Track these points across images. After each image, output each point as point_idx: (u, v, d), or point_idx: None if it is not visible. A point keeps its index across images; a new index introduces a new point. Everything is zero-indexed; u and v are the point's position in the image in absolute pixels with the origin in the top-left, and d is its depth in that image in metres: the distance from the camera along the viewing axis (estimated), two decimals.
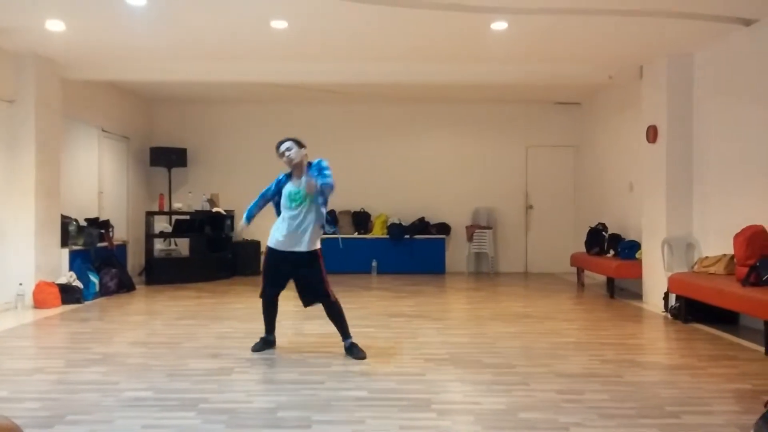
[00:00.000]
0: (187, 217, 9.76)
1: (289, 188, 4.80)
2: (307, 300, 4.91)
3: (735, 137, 6.26)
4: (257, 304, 7.29)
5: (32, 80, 7.09)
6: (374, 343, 5.12)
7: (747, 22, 5.89)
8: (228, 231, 10.08)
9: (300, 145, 4.82)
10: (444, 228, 10.61)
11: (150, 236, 9.36)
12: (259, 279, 9.73)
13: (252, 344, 4.99)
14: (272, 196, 4.91)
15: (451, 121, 10.91)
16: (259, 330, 5.23)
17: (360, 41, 6.72)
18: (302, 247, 4.73)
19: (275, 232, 4.82)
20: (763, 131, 5.82)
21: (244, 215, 4.97)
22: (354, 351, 4.76)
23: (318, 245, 4.83)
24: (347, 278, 9.57)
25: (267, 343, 4.98)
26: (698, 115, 6.92)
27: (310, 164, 4.79)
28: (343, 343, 4.84)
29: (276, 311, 5.05)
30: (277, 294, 4.98)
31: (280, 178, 4.91)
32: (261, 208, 5.02)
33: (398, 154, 10.89)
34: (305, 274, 4.80)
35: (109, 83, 9.08)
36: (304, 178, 4.68)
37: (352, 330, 4.90)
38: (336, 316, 4.82)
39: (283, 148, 4.80)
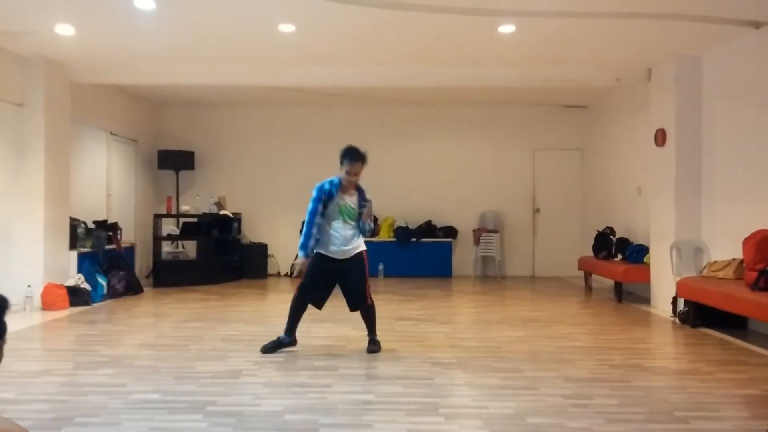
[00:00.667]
0: (195, 219, 9.80)
1: (344, 202, 4.89)
2: (352, 304, 5.04)
3: (744, 140, 6.23)
4: (264, 306, 7.36)
5: (41, 84, 7.13)
6: (381, 347, 5.11)
7: (756, 25, 5.86)
8: (235, 234, 10.10)
9: (364, 164, 4.92)
10: (451, 231, 10.59)
11: (158, 239, 9.39)
12: (266, 282, 9.75)
13: (260, 345, 4.98)
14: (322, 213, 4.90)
15: (457, 124, 10.89)
16: (266, 333, 5.23)
17: (367, 44, 6.72)
18: (352, 253, 4.95)
19: (326, 244, 4.90)
20: None
21: (303, 248, 4.85)
22: (369, 344, 4.99)
23: (361, 248, 5.00)
24: None
25: (278, 345, 4.96)
26: (707, 118, 6.88)
27: (358, 187, 5.00)
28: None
29: (302, 314, 5.06)
30: (320, 302, 5.03)
31: (330, 189, 4.85)
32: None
33: (405, 157, 10.88)
34: (350, 277, 4.95)
35: (117, 87, 9.12)
36: (363, 210, 4.97)
37: (360, 333, 4.99)
38: (370, 316, 5.07)
39: (357, 169, 4.85)
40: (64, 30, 6.15)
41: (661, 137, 7.21)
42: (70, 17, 5.84)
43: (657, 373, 4.43)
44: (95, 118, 8.74)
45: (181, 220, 10.02)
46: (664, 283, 7.15)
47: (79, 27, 6.10)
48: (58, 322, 6.39)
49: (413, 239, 10.32)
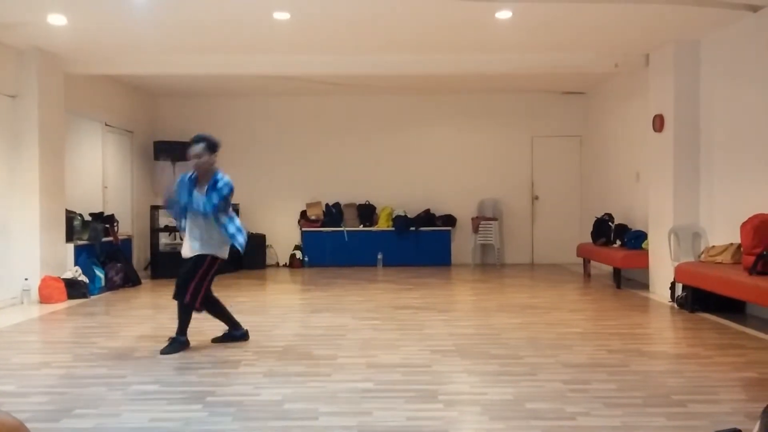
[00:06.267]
0: None
1: (195, 193, 4.73)
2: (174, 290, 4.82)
3: (742, 125, 6.21)
4: (262, 297, 7.36)
5: (35, 75, 7.08)
6: (381, 335, 5.12)
7: (754, 9, 5.82)
8: None
9: (212, 149, 4.70)
10: (449, 220, 10.58)
11: (155, 230, 9.37)
12: (265, 272, 9.71)
13: (259, 336, 4.96)
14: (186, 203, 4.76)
15: (455, 112, 10.85)
16: (265, 323, 5.23)
17: (363, 32, 6.68)
18: (191, 253, 4.75)
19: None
20: None
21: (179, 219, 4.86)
22: (169, 344, 4.72)
23: (207, 250, 4.74)
24: (353, 271, 9.56)
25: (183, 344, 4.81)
26: (705, 103, 6.86)
27: (215, 173, 4.73)
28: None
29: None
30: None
31: (190, 177, 4.76)
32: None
33: (403, 145, 10.84)
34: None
35: (111, 77, 9.06)
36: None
37: (360, 321, 4.97)
38: (182, 314, 4.83)
39: (192, 153, 4.66)
40: (57, 20, 6.09)
41: (659, 123, 7.19)
42: (62, 7, 5.78)
43: (655, 357, 4.44)
44: (90, 109, 8.69)
45: None
46: (662, 268, 7.16)
47: (71, 17, 6.04)
48: (56, 314, 6.38)
49: (412, 228, 10.31)
